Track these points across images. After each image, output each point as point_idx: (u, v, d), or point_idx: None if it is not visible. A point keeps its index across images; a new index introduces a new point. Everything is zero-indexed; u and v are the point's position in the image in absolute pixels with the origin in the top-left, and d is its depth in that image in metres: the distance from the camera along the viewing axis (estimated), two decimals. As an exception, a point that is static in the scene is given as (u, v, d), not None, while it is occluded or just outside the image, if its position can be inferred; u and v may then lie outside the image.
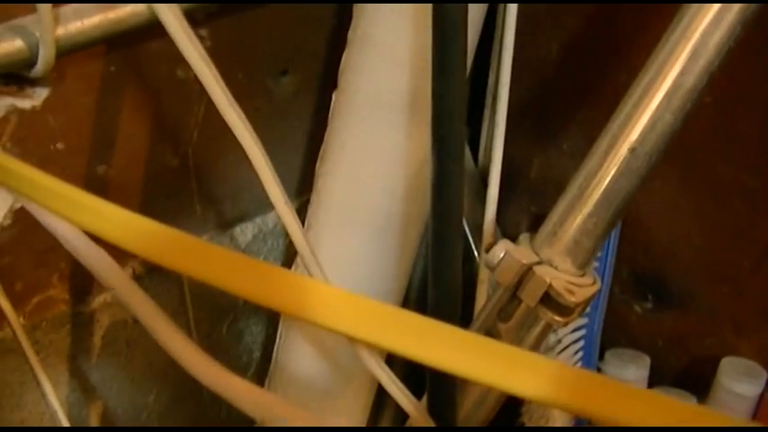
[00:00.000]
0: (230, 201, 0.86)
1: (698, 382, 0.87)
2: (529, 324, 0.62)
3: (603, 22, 0.86)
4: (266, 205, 0.90)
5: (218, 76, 0.52)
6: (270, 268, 0.45)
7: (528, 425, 0.86)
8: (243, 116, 0.52)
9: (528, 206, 0.97)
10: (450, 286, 0.62)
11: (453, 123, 0.58)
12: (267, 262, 0.94)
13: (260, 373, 0.98)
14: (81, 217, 0.50)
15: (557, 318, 0.59)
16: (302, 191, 0.89)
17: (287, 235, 0.93)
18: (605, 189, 0.59)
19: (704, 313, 0.87)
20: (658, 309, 0.90)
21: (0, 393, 0.75)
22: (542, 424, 0.85)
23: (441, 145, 0.58)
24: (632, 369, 0.87)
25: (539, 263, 0.60)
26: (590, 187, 0.59)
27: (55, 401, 0.68)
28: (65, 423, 0.70)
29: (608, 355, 0.90)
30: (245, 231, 0.89)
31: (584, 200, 0.60)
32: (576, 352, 0.87)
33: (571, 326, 0.86)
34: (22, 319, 0.73)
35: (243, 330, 0.95)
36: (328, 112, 0.77)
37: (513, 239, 0.62)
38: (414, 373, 0.83)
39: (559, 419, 0.85)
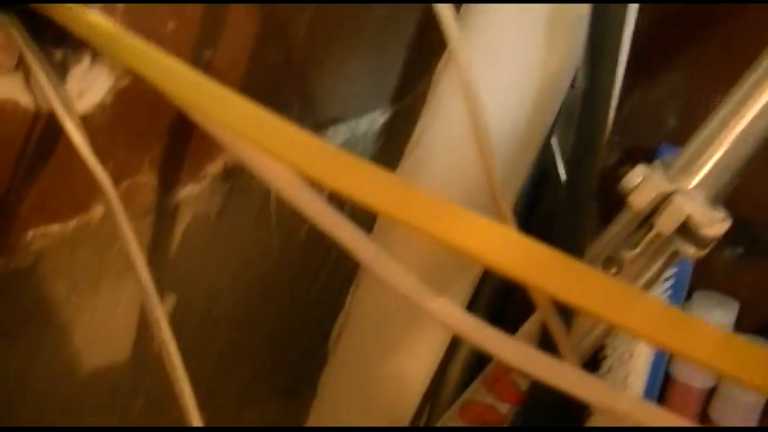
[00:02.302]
0: (327, 101, 0.83)
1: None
2: (655, 253, 0.60)
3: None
4: (360, 108, 0.87)
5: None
6: (374, 169, 0.42)
7: (611, 358, 0.84)
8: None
9: (620, 140, 0.94)
10: (588, 195, 0.60)
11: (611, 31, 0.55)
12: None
13: (339, 281, 0.96)
14: (187, 94, 0.47)
15: (691, 250, 0.57)
16: (399, 97, 0.86)
17: (377, 141, 0.91)
18: (749, 124, 0.57)
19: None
20: (749, 255, 0.88)
21: (79, 277, 0.73)
22: (626, 359, 0.83)
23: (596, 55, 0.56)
24: (719, 312, 0.85)
25: (675, 192, 0.58)
26: (733, 120, 0.57)
27: (150, 284, 0.65)
28: (154, 303, 0.67)
29: (696, 296, 0.88)
30: (336, 134, 0.86)
31: (726, 133, 0.58)
32: (666, 290, 0.85)
33: (663, 263, 0.84)
34: (112, 201, 0.70)
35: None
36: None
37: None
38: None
39: (642, 355, 0.83)
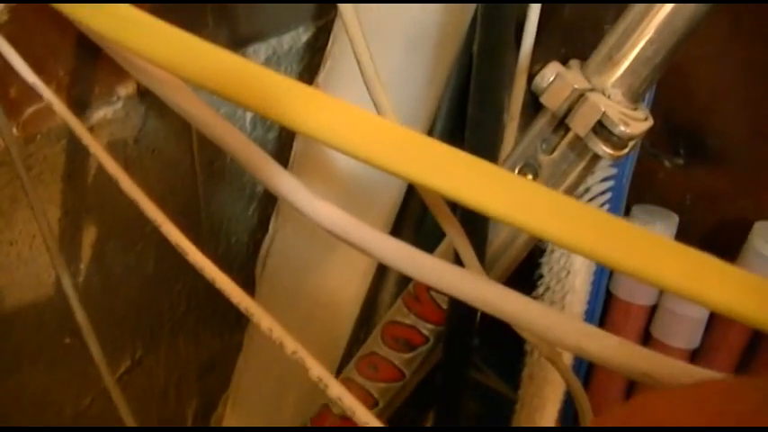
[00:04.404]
0: (245, 18, 0.80)
1: (727, 244, 0.83)
2: (573, 157, 0.57)
3: None
4: (282, 25, 0.84)
5: None
6: (285, 81, 0.38)
7: (547, 276, 0.82)
8: None
9: (558, 47, 0.90)
10: (494, 109, 0.57)
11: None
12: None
13: (263, 208, 0.94)
14: (87, 13, 0.43)
15: (608, 150, 0.54)
16: (322, 14, 0.83)
17: (302, 60, 0.88)
18: (671, 12, 0.54)
19: (740, 171, 0.83)
20: (690, 164, 0.85)
21: (-11, 208, 0.70)
22: (563, 277, 0.81)
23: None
24: (659, 226, 0.83)
25: (591, 90, 0.55)
26: (654, 9, 0.54)
27: (44, 220, 0.63)
28: (52, 245, 0.64)
29: (635, 209, 0.85)
30: (257, 52, 0.83)
31: (646, 23, 0.55)
32: (603, 204, 0.82)
33: (600, 174, 0.81)
34: (15, 129, 0.67)
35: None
36: None
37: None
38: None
39: (581, 272, 0.81)
